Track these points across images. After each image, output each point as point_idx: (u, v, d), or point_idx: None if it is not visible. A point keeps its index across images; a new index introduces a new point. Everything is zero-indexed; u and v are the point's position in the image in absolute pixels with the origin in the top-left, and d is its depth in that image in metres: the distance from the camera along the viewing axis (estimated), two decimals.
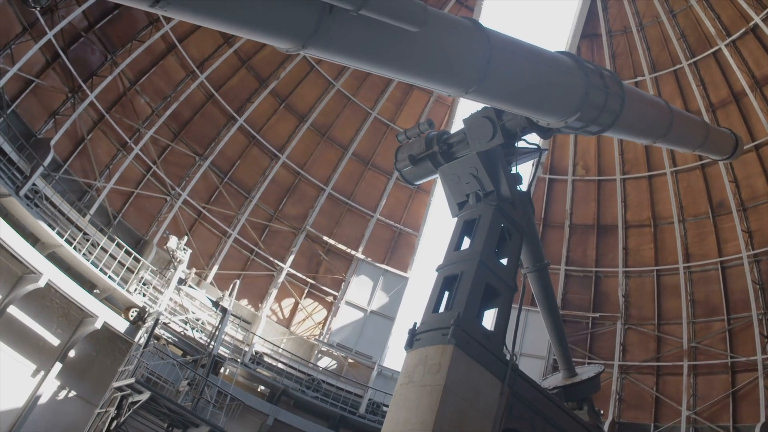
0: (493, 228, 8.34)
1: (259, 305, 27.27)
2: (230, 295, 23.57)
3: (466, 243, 8.49)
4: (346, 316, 28.49)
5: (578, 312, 27.58)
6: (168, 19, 23.45)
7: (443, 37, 7.01)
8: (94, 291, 20.20)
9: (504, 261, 8.53)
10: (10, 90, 20.46)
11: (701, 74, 25.64)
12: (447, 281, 8.05)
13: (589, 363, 23.35)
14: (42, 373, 19.20)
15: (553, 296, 10.89)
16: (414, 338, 7.59)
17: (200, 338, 22.25)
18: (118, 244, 21.61)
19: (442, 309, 7.81)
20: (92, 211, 22.56)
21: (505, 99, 8.19)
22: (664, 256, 26.92)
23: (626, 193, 28.09)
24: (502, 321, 8.07)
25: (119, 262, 21.39)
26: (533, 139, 9.46)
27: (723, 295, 24.99)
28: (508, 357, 7.79)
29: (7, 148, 19.33)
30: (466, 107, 31.98)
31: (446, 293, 7.99)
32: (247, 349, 24.62)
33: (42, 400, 19.10)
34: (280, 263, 27.75)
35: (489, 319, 8.50)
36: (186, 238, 23.09)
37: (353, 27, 6.19)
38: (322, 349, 27.45)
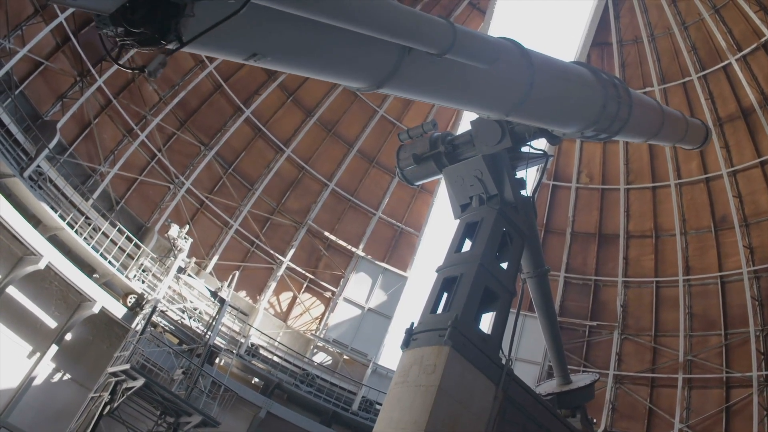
0: (494, 231, 8.34)
1: (258, 297, 27.29)
2: (229, 286, 23.59)
3: (467, 245, 8.48)
4: (343, 313, 28.50)
5: (576, 319, 27.57)
6: None
7: (502, 69, 7.34)
8: (94, 275, 20.22)
9: (504, 265, 8.52)
10: (19, 71, 20.48)
11: (710, 88, 25.61)
12: (446, 282, 8.04)
13: (584, 371, 23.37)
14: (38, 354, 19.21)
15: (552, 303, 10.88)
16: (411, 338, 7.59)
17: (197, 328, 22.26)
18: (119, 230, 21.62)
19: (440, 310, 7.81)
20: (95, 195, 22.57)
21: (539, 118, 8.57)
22: (664, 267, 26.91)
23: (629, 203, 28.06)
24: (499, 325, 8.07)
25: (120, 247, 21.39)
26: (538, 143, 9.48)
27: (721, 309, 24.97)
28: (503, 361, 7.79)
29: (14, 129, 19.34)
30: None
31: (445, 294, 7.99)
32: (243, 340, 24.64)
33: (36, 382, 19.10)
34: (280, 256, 27.76)
35: (486, 322, 8.50)
36: (187, 227, 23.10)
37: (427, 67, 6.55)
38: (318, 344, 27.47)
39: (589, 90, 8.83)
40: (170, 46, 4.47)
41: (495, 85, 7.54)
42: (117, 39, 4.56)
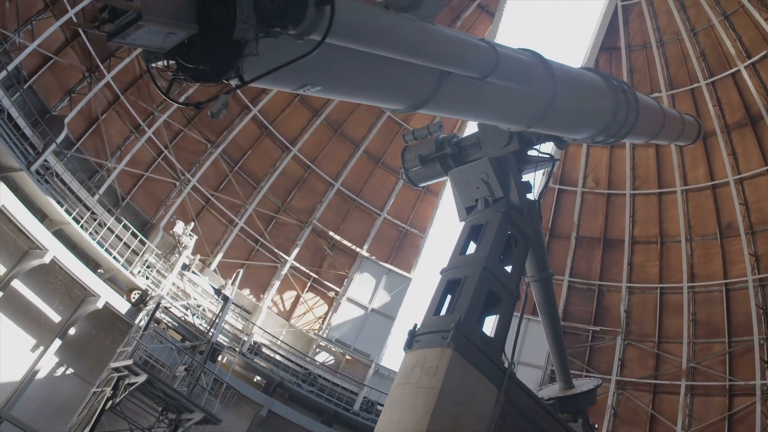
0: (499, 235, 8.33)
1: (261, 296, 27.32)
2: (233, 283, 23.61)
3: (472, 248, 8.47)
4: (346, 313, 28.51)
5: (579, 324, 27.51)
6: None
7: (531, 86, 7.51)
8: (98, 270, 20.26)
9: (508, 268, 8.51)
10: (28, 65, 20.55)
11: (718, 94, 25.54)
12: (450, 285, 8.03)
13: (586, 376, 23.29)
14: (41, 348, 19.28)
15: (555, 307, 10.87)
16: (413, 339, 7.59)
17: (200, 325, 22.30)
18: (124, 226, 21.67)
19: (443, 312, 7.79)
20: (101, 191, 22.64)
21: (556, 127, 8.73)
22: (668, 274, 26.84)
23: (635, 208, 28.00)
24: (502, 328, 8.05)
25: (125, 243, 21.44)
26: (545, 147, 9.47)
27: (725, 317, 24.89)
28: (506, 364, 7.78)
29: (22, 123, 19.40)
30: None
31: (448, 296, 7.97)
32: (246, 338, 24.67)
33: (39, 376, 19.17)
34: (284, 255, 27.79)
35: (489, 325, 8.48)
36: (192, 224, 23.14)
37: (464, 88, 6.74)
38: (321, 343, 27.48)
39: (602, 98, 8.94)
40: (231, 81, 4.49)
41: (523, 101, 7.68)
42: (170, 74, 4.55)
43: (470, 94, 6.95)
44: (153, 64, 4.44)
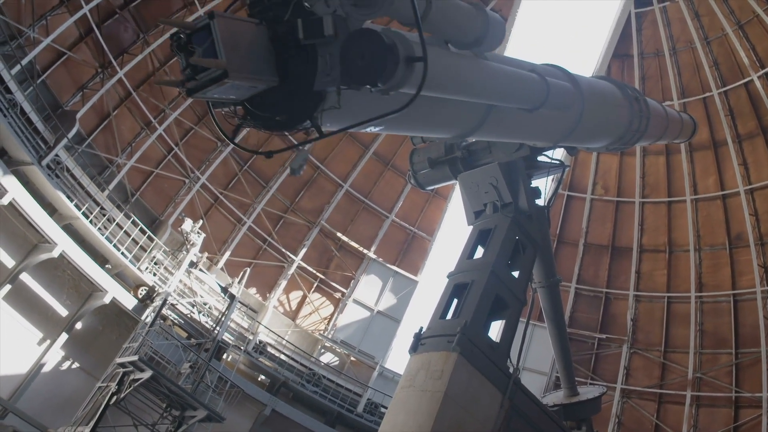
0: (507, 240, 8.31)
1: (267, 295, 27.35)
2: (239, 282, 23.64)
3: (480, 252, 8.45)
4: (352, 314, 28.50)
5: (585, 331, 27.42)
6: (202, 3, 23.57)
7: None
8: (106, 266, 20.33)
9: (516, 274, 8.49)
10: (41, 60, 20.70)
11: (730, 104, 25.42)
12: (457, 288, 8.02)
13: (591, 384, 23.20)
14: (48, 342, 19.36)
15: (562, 313, 10.84)
16: (419, 342, 7.58)
17: (206, 322, 22.33)
18: (133, 222, 21.76)
19: (449, 316, 7.78)
20: (111, 186, 22.74)
21: (579, 141, 9.03)
22: (676, 283, 26.71)
23: (644, 216, 27.89)
24: (508, 333, 8.04)
25: (133, 239, 21.52)
26: (555, 153, 9.47)
27: (733, 328, 24.75)
28: (511, 370, 7.76)
29: (34, 118, 19.52)
30: None
31: (455, 300, 7.96)
32: (251, 337, 24.69)
33: (45, 369, 19.26)
34: (291, 255, 27.81)
35: (495, 330, 8.46)
36: (201, 222, 23.19)
37: (510, 116, 7.09)
38: (326, 344, 27.48)
39: (620, 110, 9.15)
40: (303, 127, 4.47)
41: (557, 123, 7.93)
42: (238, 120, 4.52)
43: (514, 121, 7.26)
44: (218, 109, 4.40)
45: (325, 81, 4.18)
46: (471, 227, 8.98)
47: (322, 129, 4.48)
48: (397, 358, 29.83)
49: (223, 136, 5.07)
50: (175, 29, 4.19)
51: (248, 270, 24.72)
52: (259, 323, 25.87)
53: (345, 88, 4.31)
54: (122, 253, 20.64)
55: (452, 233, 54.21)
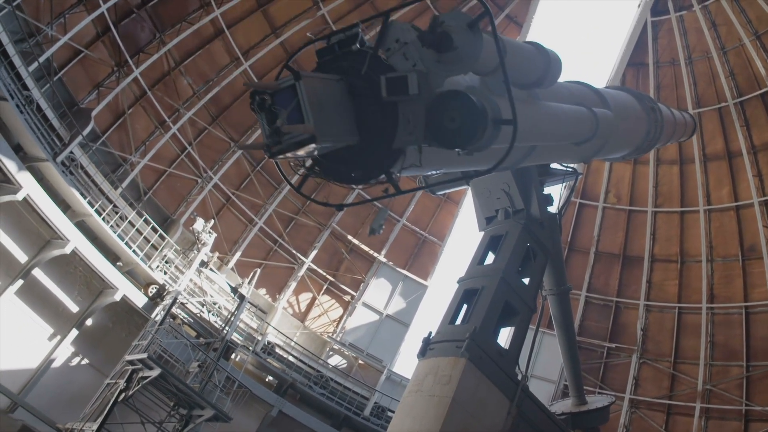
0: (518, 246, 8.29)
1: (277, 296, 27.39)
2: (249, 282, 23.68)
3: (490, 258, 8.44)
4: (361, 317, 28.49)
5: (594, 340, 27.27)
6: (219, 4, 23.70)
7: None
8: (117, 263, 20.43)
9: (526, 281, 8.47)
10: (58, 58, 20.86)
11: (746, 115, 25.24)
12: (467, 294, 8.00)
13: (599, 393, 23.08)
14: (58, 337, 19.47)
15: (572, 321, 10.79)
16: (428, 347, 7.57)
17: (215, 322, 22.38)
18: (145, 220, 21.86)
19: (458, 321, 7.77)
20: (124, 184, 22.87)
21: (604, 155, 9.24)
22: (687, 293, 26.52)
23: (656, 226, 27.73)
24: (517, 340, 8.01)
25: (145, 237, 21.62)
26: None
27: (744, 340, 24.53)
28: (519, 377, 7.73)
29: (50, 115, 19.66)
30: None
31: (465, 306, 7.95)
32: (260, 338, 24.71)
33: (55, 364, 19.36)
34: (302, 257, 27.84)
35: (504, 336, 8.43)
36: (212, 221, 23.26)
37: (558, 148, 7.64)
38: (334, 347, 27.47)
39: (641, 123, 9.33)
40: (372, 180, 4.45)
41: (590, 144, 8.01)
42: (307, 172, 4.45)
43: (555, 149, 7.55)
44: (282, 158, 4.32)
45: (406, 139, 4.08)
46: (482, 233, 8.97)
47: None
48: (405, 363, 29.83)
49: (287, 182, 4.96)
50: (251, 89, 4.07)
51: (258, 271, 24.76)
52: (268, 324, 25.90)
53: (427, 145, 4.22)
54: (134, 251, 20.74)
55: (463, 238, 54.07)
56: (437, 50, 4.27)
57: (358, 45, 4.27)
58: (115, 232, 20.30)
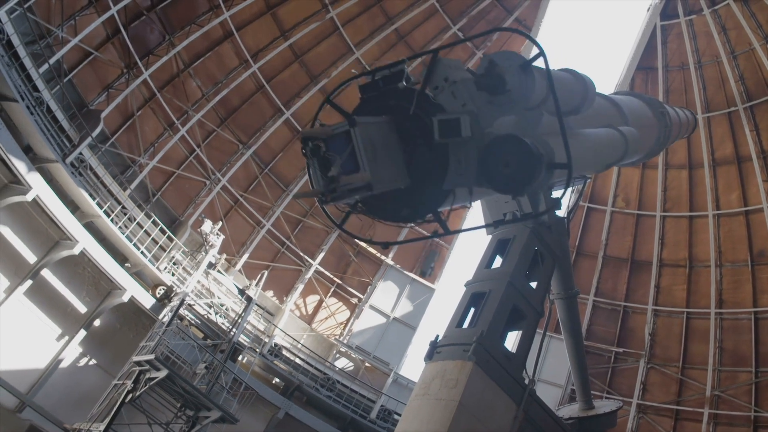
0: (526, 250, 8.26)
1: (284, 298, 27.42)
2: (257, 284, 23.70)
3: (498, 262, 8.41)
4: (368, 320, 28.48)
5: (602, 345, 27.17)
6: (228, 6, 23.78)
7: None
8: (126, 264, 20.50)
9: (534, 284, 8.44)
10: (69, 60, 20.97)
11: (756, 119, 25.13)
12: (474, 298, 7.98)
13: (607, 398, 22.99)
14: (66, 338, 19.54)
15: (579, 326, 10.74)
16: (434, 350, 7.54)
17: (222, 324, 22.41)
18: (153, 222, 21.93)
19: (466, 324, 7.75)
20: (133, 186, 22.96)
21: (617, 162, 9.26)
22: (696, 299, 26.40)
23: (665, 230, 27.62)
24: (524, 344, 7.97)
25: (153, 239, 21.69)
26: None
27: (753, 346, 24.39)
28: (526, 381, 7.70)
29: (60, 116, 19.77)
30: None
31: (472, 309, 7.92)
32: (267, 340, 24.72)
33: (63, 365, 19.43)
34: (309, 259, 27.87)
35: (511, 340, 8.40)
36: (220, 223, 23.31)
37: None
38: (341, 349, 27.46)
39: (653, 130, 9.47)
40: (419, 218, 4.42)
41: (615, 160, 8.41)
42: (350, 208, 4.39)
43: (583, 168, 7.75)
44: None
45: (457, 180, 4.02)
46: (490, 236, 8.95)
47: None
48: (412, 366, 29.77)
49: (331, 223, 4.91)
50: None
51: (266, 273, 24.80)
52: (275, 326, 25.92)
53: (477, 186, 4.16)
54: (142, 253, 20.80)
55: (471, 242, 54.00)
56: (490, 92, 4.20)
57: (404, 82, 4.20)
58: (123, 234, 20.38)
